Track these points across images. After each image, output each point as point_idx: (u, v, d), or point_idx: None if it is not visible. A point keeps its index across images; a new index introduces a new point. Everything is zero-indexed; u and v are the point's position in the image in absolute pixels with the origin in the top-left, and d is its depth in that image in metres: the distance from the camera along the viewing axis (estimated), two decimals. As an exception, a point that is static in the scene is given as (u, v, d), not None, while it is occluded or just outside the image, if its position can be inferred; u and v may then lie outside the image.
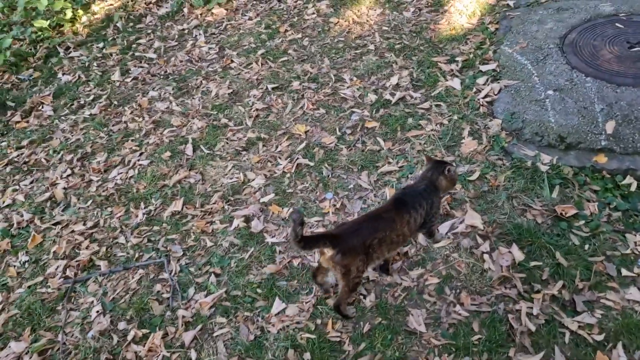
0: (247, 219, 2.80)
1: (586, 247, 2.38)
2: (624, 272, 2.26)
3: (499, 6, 4.00)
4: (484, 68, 3.39)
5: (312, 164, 3.05)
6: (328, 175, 2.96)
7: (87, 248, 2.85)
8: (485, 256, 2.40)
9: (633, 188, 2.57)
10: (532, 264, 2.34)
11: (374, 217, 2.17)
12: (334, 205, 2.78)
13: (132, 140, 3.59)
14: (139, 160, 3.39)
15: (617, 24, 3.35)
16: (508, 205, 2.61)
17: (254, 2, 4.99)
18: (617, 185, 2.61)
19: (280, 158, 3.14)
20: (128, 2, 5.56)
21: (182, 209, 2.96)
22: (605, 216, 2.50)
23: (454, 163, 2.73)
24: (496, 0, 4.09)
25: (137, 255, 2.76)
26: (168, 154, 3.36)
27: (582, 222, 2.48)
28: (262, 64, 4.04)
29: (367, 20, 4.27)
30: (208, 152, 3.32)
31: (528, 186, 2.66)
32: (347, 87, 3.59)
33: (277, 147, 3.24)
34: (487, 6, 4.04)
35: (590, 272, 2.28)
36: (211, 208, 2.92)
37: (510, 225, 2.50)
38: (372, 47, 3.93)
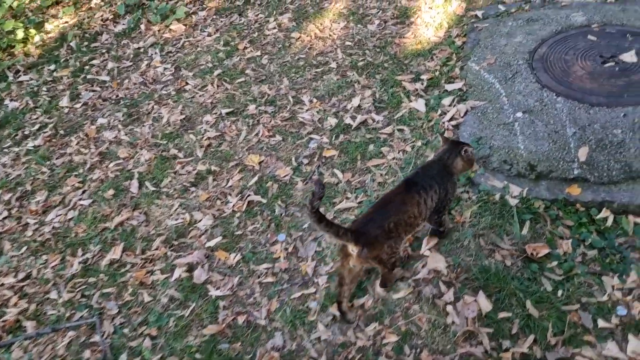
0: (191, 268, 2.54)
1: (559, 293, 2.15)
2: (601, 323, 2.03)
3: (467, 17, 3.77)
4: (449, 87, 3.15)
5: (264, 200, 2.80)
6: (281, 214, 2.71)
7: (15, 305, 2.58)
8: (449, 307, 2.16)
9: (609, 222, 2.34)
10: (501, 315, 2.11)
11: (385, 202, 2.10)
12: (286, 249, 2.53)
13: (76, 176, 3.32)
14: (80, 199, 3.13)
15: (589, 36, 3.13)
16: (474, 245, 2.37)
17: (214, 17, 4.73)
18: (592, 219, 2.38)
19: (230, 195, 2.88)
20: (84, 19, 5.28)
21: (121, 256, 2.70)
22: (580, 255, 2.27)
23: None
24: (464, 10, 3.86)
25: (68, 314, 2.49)
26: (112, 192, 3.10)
27: (555, 263, 2.25)
28: (217, 86, 3.78)
29: (330, 35, 4.02)
30: (154, 189, 3.06)
31: (496, 222, 2.43)
32: (306, 110, 3.35)
33: (228, 181, 2.98)
34: (454, 17, 3.81)
35: (564, 324, 2.05)
36: (153, 255, 2.66)
37: (477, 269, 2.26)
38: (334, 64, 3.68)
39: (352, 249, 1.96)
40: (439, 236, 2.36)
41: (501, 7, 3.72)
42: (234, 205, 2.81)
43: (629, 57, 2.90)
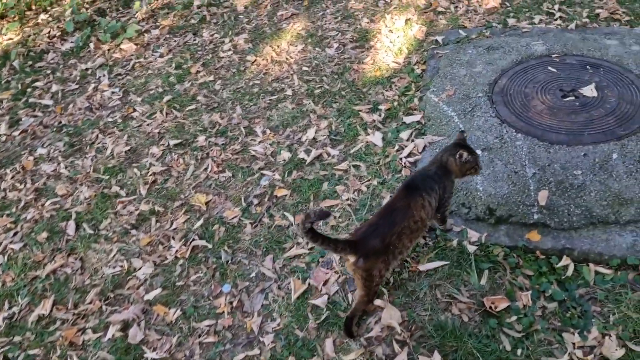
0: (126, 325, 2.33)
1: (519, 352, 2.03)
2: (561, 387, 1.91)
3: (427, 42, 3.65)
4: (408, 120, 3.02)
5: (210, 245, 2.61)
6: (227, 261, 2.52)
7: None
8: (402, 371, 2.00)
9: (570, 272, 2.23)
10: (456, 379, 1.96)
11: (389, 211, 2.06)
12: (231, 303, 2.34)
13: (8, 215, 3.06)
14: (11, 242, 2.87)
15: (549, 67, 3.04)
16: (430, 297, 2.23)
17: (167, 36, 4.51)
18: (552, 268, 2.26)
19: (173, 239, 2.68)
20: (29, 36, 4.98)
21: (51, 310, 2.46)
22: (540, 309, 2.15)
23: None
24: (424, 35, 3.74)
25: (-13, 381, 2.25)
26: (45, 234, 2.85)
27: (515, 317, 2.13)
28: (167, 114, 3.57)
29: (287, 59, 3.85)
30: (92, 232, 2.82)
31: (453, 272, 2.29)
32: (259, 142, 3.17)
33: (172, 223, 2.78)
34: (414, 42, 3.69)
35: (523, 389, 1.92)
36: (86, 309, 2.44)
37: (432, 326, 2.12)
38: (289, 92, 3.51)
39: (350, 256, 1.96)
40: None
41: (462, 33, 3.62)
42: (177, 251, 2.61)
43: (589, 91, 2.82)
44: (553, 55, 3.13)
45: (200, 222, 2.73)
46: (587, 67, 2.99)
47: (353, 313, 2.11)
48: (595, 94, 2.81)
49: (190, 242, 2.63)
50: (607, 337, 2.01)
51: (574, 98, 2.81)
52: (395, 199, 2.12)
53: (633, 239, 2.24)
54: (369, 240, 1.96)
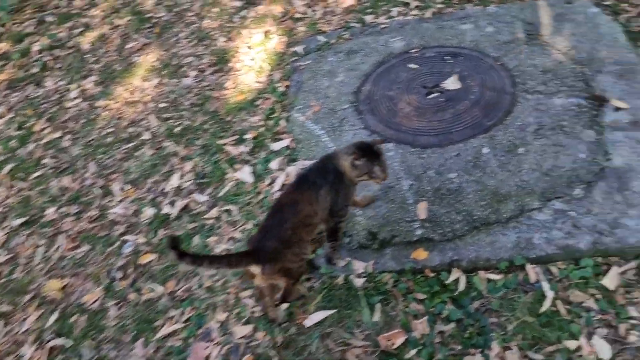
0: None
1: (423, 391, 1.84)
2: None
3: (288, 54, 3.42)
4: (276, 146, 2.78)
5: (70, 342, 2.22)
6: (91, 359, 2.14)
7: None
8: None
9: (462, 286, 2.08)
10: None
11: (277, 209, 1.93)
12: (99, 411, 1.98)
13: None
14: None
15: (410, 64, 2.90)
16: (323, 349, 2.00)
17: (6, 92, 3.96)
18: (444, 285, 2.10)
19: (26, 343, 2.25)
20: None
21: None
22: (438, 334, 1.98)
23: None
24: (285, 46, 3.51)
25: None
26: None
27: (414, 351, 1.95)
28: (10, 187, 3.08)
29: (142, 97, 3.48)
30: None
31: (344, 313, 2.07)
32: (118, 202, 2.79)
33: (23, 323, 2.35)
34: (275, 56, 3.45)
35: None
36: None
37: (329, 384, 1.89)
38: (147, 135, 3.15)
39: (254, 268, 1.83)
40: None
41: (321, 39, 3.43)
42: (30, 359, 2.19)
43: (451, 83, 2.72)
44: (412, 50, 3.01)
45: (56, 315, 2.33)
46: (447, 57, 2.89)
47: (285, 296, 2.02)
48: (458, 85, 2.71)
49: (46, 344, 2.23)
50: (508, 352, 1.88)
51: (438, 94, 2.69)
52: (283, 195, 2.00)
53: (516, 235, 2.13)
54: (266, 243, 1.83)
